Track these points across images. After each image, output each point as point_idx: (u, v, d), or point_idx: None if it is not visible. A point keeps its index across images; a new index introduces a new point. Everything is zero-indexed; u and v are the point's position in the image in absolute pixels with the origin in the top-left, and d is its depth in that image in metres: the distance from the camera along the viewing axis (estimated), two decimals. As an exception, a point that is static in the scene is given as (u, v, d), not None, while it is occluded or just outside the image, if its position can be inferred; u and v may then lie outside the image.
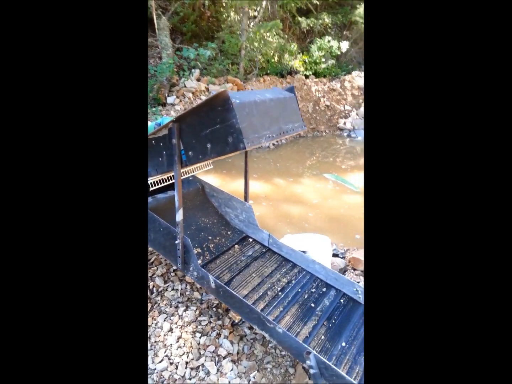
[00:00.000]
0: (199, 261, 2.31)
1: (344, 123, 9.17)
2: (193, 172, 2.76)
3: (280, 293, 2.18)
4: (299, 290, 2.23)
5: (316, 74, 9.74)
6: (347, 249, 3.75)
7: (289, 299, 2.15)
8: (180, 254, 2.08)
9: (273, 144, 7.47)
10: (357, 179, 5.87)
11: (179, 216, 1.99)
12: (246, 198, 2.64)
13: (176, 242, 2.04)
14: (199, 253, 2.40)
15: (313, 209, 4.83)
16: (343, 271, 3.23)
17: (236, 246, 2.55)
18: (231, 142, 1.56)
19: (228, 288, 1.95)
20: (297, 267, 2.42)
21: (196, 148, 1.71)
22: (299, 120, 1.97)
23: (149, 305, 2.62)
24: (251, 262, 2.40)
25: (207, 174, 5.70)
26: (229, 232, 2.66)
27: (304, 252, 2.60)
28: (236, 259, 2.41)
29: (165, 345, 2.32)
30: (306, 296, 2.19)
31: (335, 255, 3.46)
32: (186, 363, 2.22)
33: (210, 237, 2.56)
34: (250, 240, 2.63)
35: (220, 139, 1.60)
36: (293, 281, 2.29)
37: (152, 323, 2.47)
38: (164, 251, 2.20)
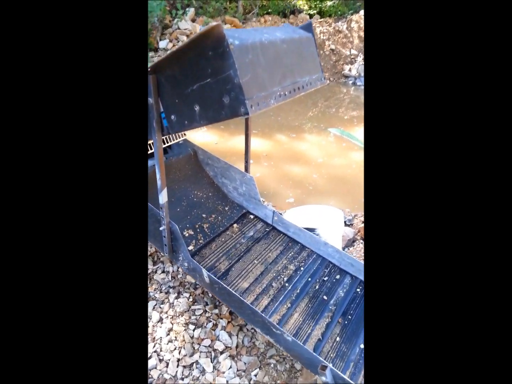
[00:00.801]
0: (191, 247, 1.96)
1: (350, 70, 8.40)
2: (184, 134, 2.30)
3: (286, 284, 1.86)
4: (309, 279, 1.90)
5: (321, 13, 8.75)
6: (355, 215, 3.40)
7: (298, 291, 1.83)
8: (167, 242, 1.72)
9: (273, 94, 6.83)
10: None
11: (162, 198, 1.59)
12: (246, 168, 2.22)
13: (161, 228, 1.67)
14: (191, 236, 2.04)
15: (317, 169, 4.42)
16: (352, 241, 2.92)
17: (235, 225, 2.18)
18: (227, 104, 1.10)
19: (224, 285, 1.61)
20: (306, 250, 2.08)
21: (181, 111, 1.26)
22: (318, 70, 1.49)
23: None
24: (253, 245, 2.05)
25: (199, 129, 5.18)
26: (226, 208, 2.27)
27: (313, 230, 2.24)
28: (235, 242, 2.06)
29: (153, 338, 2.04)
30: (317, 287, 1.87)
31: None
32: (178, 360, 1.95)
33: (204, 215, 2.18)
34: (251, 217, 2.26)
35: (213, 100, 1.14)
36: (302, 268, 1.96)
37: (140, 310, 2.17)
38: (148, 236, 1.84)
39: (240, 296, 1.76)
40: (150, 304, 2.22)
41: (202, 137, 5.04)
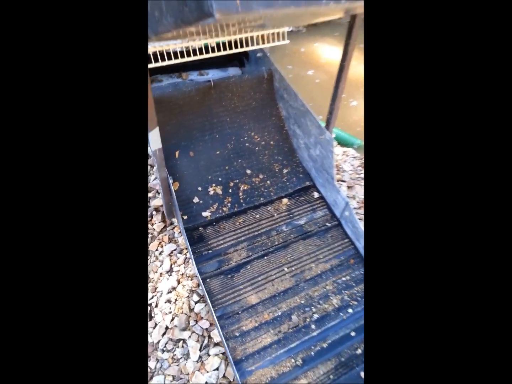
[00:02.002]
0: (208, 212, 1.38)
1: None
2: (262, 42, 1.52)
3: (313, 326, 1.18)
4: (353, 333, 1.18)
5: None
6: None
7: (325, 345, 1.15)
8: (164, 201, 1.19)
9: None
10: None
11: (154, 143, 1.01)
12: (328, 122, 1.38)
13: (153, 181, 1.13)
14: (216, 196, 1.44)
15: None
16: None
17: (285, 200, 1.48)
18: None
19: (207, 297, 1.05)
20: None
21: None
22: None
23: (162, 225, 1.97)
24: (296, 241, 1.36)
25: (325, 40, 4.06)
26: (285, 171, 1.55)
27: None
28: (273, 226, 1.39)
29: (155, 289, 1.71)
30: (359, 351, 1.15)
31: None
32: (167, 328, 1.60)
33: (249, 171, 1.52)
34: (315, 196, 1.50)
35: None
36: (351, 310, 1.22)
37: (157, 249, 1.84)
38: None
39: (239, 313, 1.19)
40: (169, 247, 1.85)
41: (329, 52, 3.98)
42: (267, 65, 1.61)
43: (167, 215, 1.29)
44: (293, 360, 1.11)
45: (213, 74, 1.75)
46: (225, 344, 1.02)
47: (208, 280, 1.24)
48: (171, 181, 1.15)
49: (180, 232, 1.93)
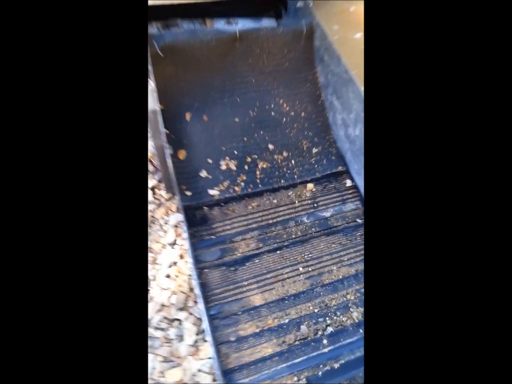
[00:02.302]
0: (216, 191, 1.18)
1: None
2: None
3: (325, 342, 0.99)
4: (373, 353, 0.99)
5: None
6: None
7: (337, 366, 0.97)
8: (162, 174, 0.99)
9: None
10: None
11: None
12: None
13: (151, 150, 0.94)
14: (229, 172, 1.22)
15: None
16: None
17: (311, 185, 1.25)
18: None
19: (200, 292, 0.89)
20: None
21: None
22: None
23: (171, 195, 1.80)
24: (318, 236, 1.15)
25: None
26: (314, 151, 1.30)
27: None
28: (292, 216, 1.18)
29: (154, 260, 1.58)
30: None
31: None
32: (162, 305, 1.48)
33: (271, 146, 1.28)
34: (347, 184, 1.27)
35: None
36: (373, 326, 1.03)
37: (162, 217, 1.69)
38: None
39: (238, 314, 1.02)
40: (175, 217, 1.69)
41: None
42: (308, 18, 1.31)
43: (166, 190, 1.10)
44: (296, 378, 0.94)
45: (243, 24, 1.48)
46: (214, 349, 0.86)
47: (206, 270, 1.07)
48: (169, 151, 0.94)
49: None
